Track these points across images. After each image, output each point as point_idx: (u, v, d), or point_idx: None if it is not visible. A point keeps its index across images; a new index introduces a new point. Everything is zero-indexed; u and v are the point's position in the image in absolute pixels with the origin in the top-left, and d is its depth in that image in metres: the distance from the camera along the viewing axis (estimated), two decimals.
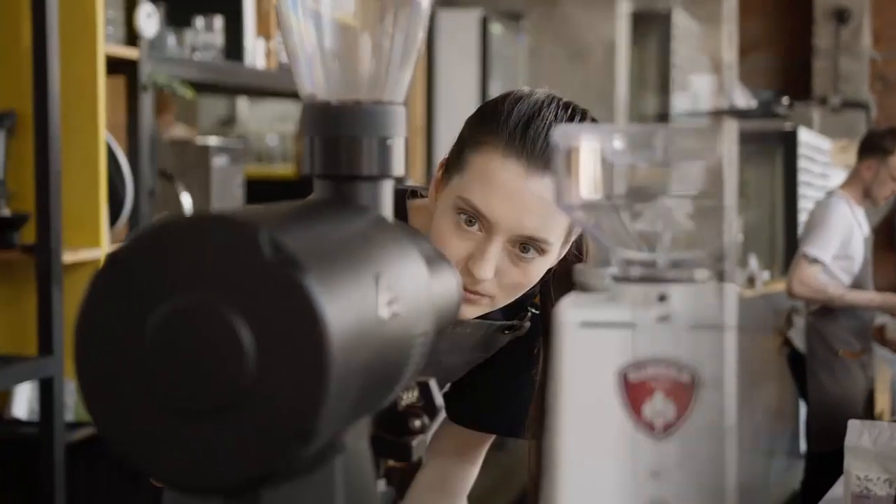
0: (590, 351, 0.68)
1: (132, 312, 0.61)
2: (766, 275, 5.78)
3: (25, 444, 2.48)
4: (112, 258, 0.62)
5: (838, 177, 7.94)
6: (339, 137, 0.77)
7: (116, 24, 2.68)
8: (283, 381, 0.59)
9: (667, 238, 0.70)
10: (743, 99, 5.57)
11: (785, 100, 6.27)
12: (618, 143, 0.70)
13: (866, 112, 8.92)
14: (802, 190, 6.70)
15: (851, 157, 8.10)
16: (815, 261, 4.14)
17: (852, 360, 4.25)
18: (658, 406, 0.67)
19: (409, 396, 0.84)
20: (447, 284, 0.84)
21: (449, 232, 1.24)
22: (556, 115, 1.22)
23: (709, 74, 5.21)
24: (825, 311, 4.27)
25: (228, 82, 3.17)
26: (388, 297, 0.68)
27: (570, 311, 0.68)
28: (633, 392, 0.67)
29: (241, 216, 0.61)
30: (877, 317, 4.51)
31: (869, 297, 4.35)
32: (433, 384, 0.84)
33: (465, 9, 5.49)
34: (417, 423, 0.82)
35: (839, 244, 4.19)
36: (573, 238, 1.31)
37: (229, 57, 3.24)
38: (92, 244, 2.54)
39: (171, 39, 3.00)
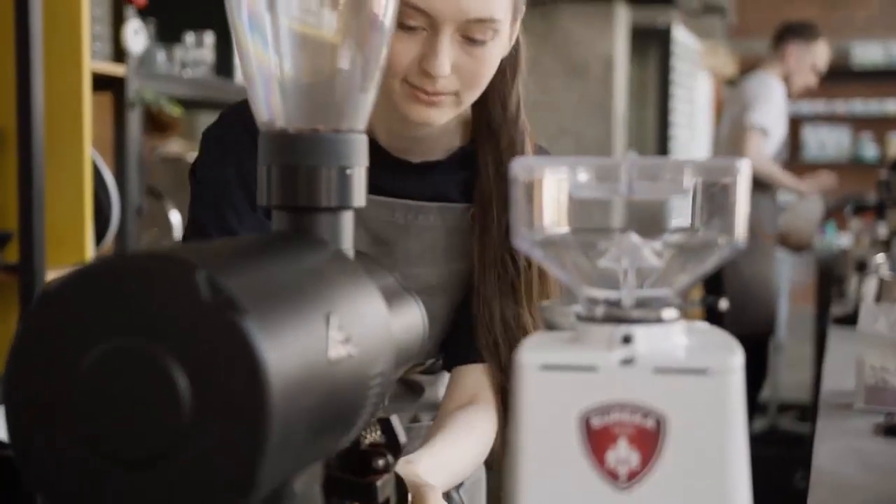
0: (551, 395, 0.65)
1: (64, 352, 0.58)
2: None
3: (6, 465, 2.45)
4: (45, 294, 0.59)
5: (705, 79, 8.03)
6: (296, 167, 0.74)
7: (104, 39, 2.65)
8: (220, 430, 0.56)
9: (632, 276, 0.67)
10: None
11: None
12: (581, 176, 0.67)
13: (724, 16, 9.03)
14: (672, 90, 6.77)
15: (719, 60, 8.18)
16: (762, 129, 4.16)
17: (768, 243, 4.25)
18: (622, 454, 0.64)
19: (371, 435, 0.81)
20: (410, 318, 0.81)
21: (395, 39, 1.17)
22: None
23: None
24: (754, 191, 4.29)
25: (218, 99, 3.14)
26: (340, 337, 0.65)
27: (530, 354, 0.65)
28: (596, 438, 0.64)
29: (180, 254, 0.58)
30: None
31: (804, 182, 4.41)
32: (395, 420, 0.81)
33: None
34: (381, 462, 0.79)
35: (776, 114, 4.23)
36: (520, 16, 1.29)
37: (219, 73, 3.22)
38: (77, 263, 2.51)
39: (160, 55, 2.97)
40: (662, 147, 7.14)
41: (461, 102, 1.25)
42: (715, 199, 0.65)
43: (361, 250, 1.25)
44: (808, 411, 5.04)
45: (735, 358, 0.63)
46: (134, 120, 2.65)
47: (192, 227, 1.33)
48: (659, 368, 0.63)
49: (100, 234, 2.61)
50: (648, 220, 0.67)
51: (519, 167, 0.66)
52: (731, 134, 4.39)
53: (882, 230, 3.82)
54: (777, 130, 4.34)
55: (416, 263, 1.34)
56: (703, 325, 0.70)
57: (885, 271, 2.88)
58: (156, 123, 3.57)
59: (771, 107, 4.23)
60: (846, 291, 3.37)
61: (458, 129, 1.37)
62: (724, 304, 0.67)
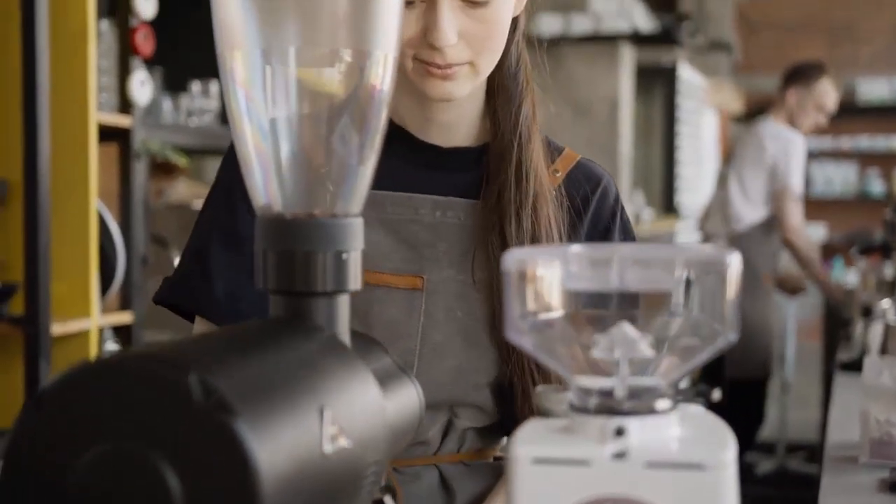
0: (544, 488, 0.65)
1: (57, 456, 0.58)
2: (649, 212, 5.81)
3: None
4: (39, 397, 0.60)
5: (710, 116, 8.08)
6: (293, 252, 0.75)
7: (110, 91, 2.67)
8: None
9: (625, 366, 0.67)
10: (644, 21, 5.57)
11: (686, 26, 6.30)
12: (573, 267, 0.67)
13: (729, 53, 9.08)
14: (677, 127, 6.79)
15: (725, 96, 8.24)
16: (796, 198, 4.21)
17: (767, 285, 4.25)
18: None
19: None
20: (405, 401, 0.81)
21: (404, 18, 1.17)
22: None
23: None
24: (753, 233, 4.28)
25: (224, 147, 3.15)
26: (334, 430, 0.65)
27: (523, 447, 0.65)
28: None
29: (171, 354, 0.59)
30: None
31: (825, 277, 4.42)
32: (389, 502, 0.81)
33: None
34: None
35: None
36: None
37: (225, 122, 3.23)
38: (82, 315, 2.52)
39: (166, 104, 3.00)
40: (668, 185, 7.16)
41: (478, 71, 1.20)
42: (706, 290, 0.65)
43: (387, 253, 1.22)
44: (817, 452, 5.02)
45: (728, 452, 0.63)
46: (140, 170, 2.67)
47: (196, 231, 1.30)
48: (651, 463, 0.63)
49: (105, 286, 2.62)
50: (640, 311, 0.68)
51: (511, 260, 0.66)
52: (767, 191, 4.36)
53: (889, 271, 3.81)
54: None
55: (445, 266, 1.26)
56: (698, 411, 0.70)
57: (891, 317, 2.88)
58: (162, 165, 3.59)
59: (801, 167, 4.28)
60: (852, 335, 3.36)
61: (488, 115, 1.31)
62: (717, 394, 0.67)
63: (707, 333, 0.66)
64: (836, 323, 4.50)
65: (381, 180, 1.25)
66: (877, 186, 9.89)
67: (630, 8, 5.38)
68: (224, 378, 0.58)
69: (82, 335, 2.54)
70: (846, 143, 9.90)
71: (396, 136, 1.27)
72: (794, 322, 5.81)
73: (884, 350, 2.79)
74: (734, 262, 0.64)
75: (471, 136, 1.30)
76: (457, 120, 1.29)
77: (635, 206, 5.97)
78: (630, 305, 0.68)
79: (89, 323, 2.53)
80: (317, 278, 0.74)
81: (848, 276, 6.33)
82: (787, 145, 4.35)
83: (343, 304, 0.76)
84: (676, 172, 7.14)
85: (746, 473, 5.09)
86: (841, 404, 2.34)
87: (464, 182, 1.28)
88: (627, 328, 0.67)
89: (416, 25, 1.15)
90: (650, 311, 0.68)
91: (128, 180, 2.65)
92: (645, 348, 0.67)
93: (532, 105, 1.29)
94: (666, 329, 0.68)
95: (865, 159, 9.93)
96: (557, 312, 0.68)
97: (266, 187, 0.77)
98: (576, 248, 0.69)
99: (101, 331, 2.74)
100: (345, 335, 0.76)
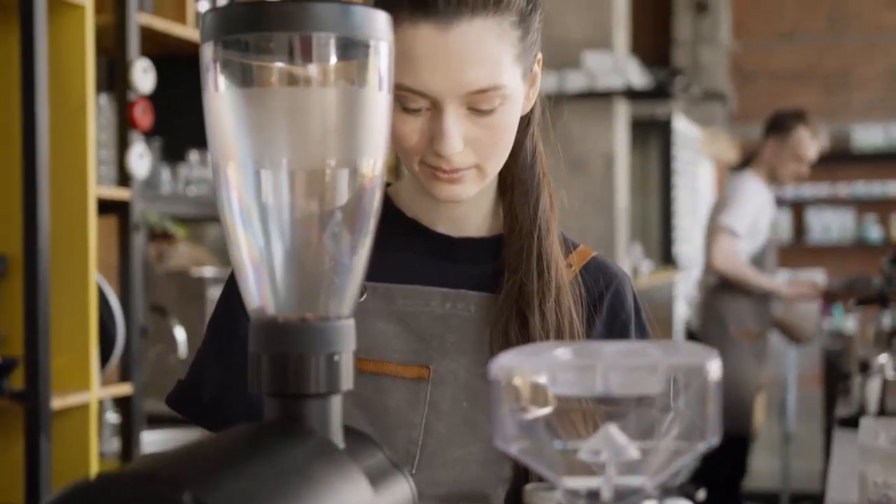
0: None
1: None
2: (647, 264, 5.82)
3: None
4: None
5: (706, 166, 8.12)
6: (286, 355, 0.77)
7: (109, 164, 2.70)
8: None
9: (611, 468, 0.68)
10: (638, 77, 5.60)
11: (679, 81, 6.32)
12: (559, 373, 0.69)
13: (724, 103, 9.13)
14: (674, 178, 6.80)
15: (720, 147, 8.27)
16: (731, 232, 4.20)
17: (746, 343, 4.23)
18: None
19: None
20: (398, 499, 0.82)
21: (399, 123, 1.15)
22: None
23: (603, 53, 5.24)
24: (724, 287, 4.28)
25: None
26: None
27: None
28: None
29: (165, 472, 0.60)
30: (774, 304, 4.48)
31: (780, 283, 4.38)
32: None
33: None
34: None
35: (751, 218, 4.26)
36: (533, 71, 1.21)
37: None
38: (82, 388, 2.53)
39: (165, 173, 3.03)
40: (666, 236, 7.19)
41: (485, 174, 1.19)
42: (689, 394, 0.67)
43: (395, 344, 1.22)
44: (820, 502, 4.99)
45: None
46: (138, 242, 2.69)
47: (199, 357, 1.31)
48: None
49: (104, 358, 2.63)
50: (626, 413, 0.69)
51: (498, 367, 0.68)
52: (705, 233, 4.46)
53: (886, 321, 3.82)
54: (756, 234, 4.36)
55: (454, 357, 1.25)
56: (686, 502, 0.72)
57: (889, 372, 2.88)
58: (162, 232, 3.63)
59: (743, 209, 4.29)
60: (851, 389, 3.37)
61: (500, 205, 1.31)
62: (702, 494, 0.68)
63: (691, 435, 0.68)
64: (836, 374, 4.50)
65: (393, 272, 1.26)
66: (874, 232, 9.93)
67: (624, 65, 5.44)
68: (217, 493, 0.60)
69: (82, 408, 2.55)
70: (843, 189, 9.95)
71: (409, 229, 1.29)
72: (794, 371, 5.81)
73: (882, 406, 2.80)
74: (714, 368, 0.66)
75: (483, 227, 1.30)
76: (467, 213, 1.29)
77: (633, 258, 5.99)
78: (616, 408, 0.70)
79: (89, 396, 2.54)
80: (309, 381, 0.76)
81: (848, 321, 6.33)
82: (738, 184, 4.39)
83: (336, 404, 0.78)
84: (674, 223, 7.18)
85: None
86: (840, 461, 2.34)
87: (476, 274, 1.27)
88: (613, 430, 0.69)
89: (422, 132, 1.15)
90: (635, 414, 0.69)
91: (127, 252, 2.67)
92: (631, 450, 0.68)
93: (549, 196, 1.29)
94: (651, 431, 0.69)
95: (862, 206, 9.98)
96: (544, 417, 0.70)
97: (259, 291, 0.79)
98: (561, 352, 0.71)
99: (100, 403, 2.75)
100: (337, 435, 0.78)
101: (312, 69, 0.85)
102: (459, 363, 1.24)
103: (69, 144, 2.52)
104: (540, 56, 1.24)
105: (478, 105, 1.14)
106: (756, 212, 4.32)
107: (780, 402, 5.69)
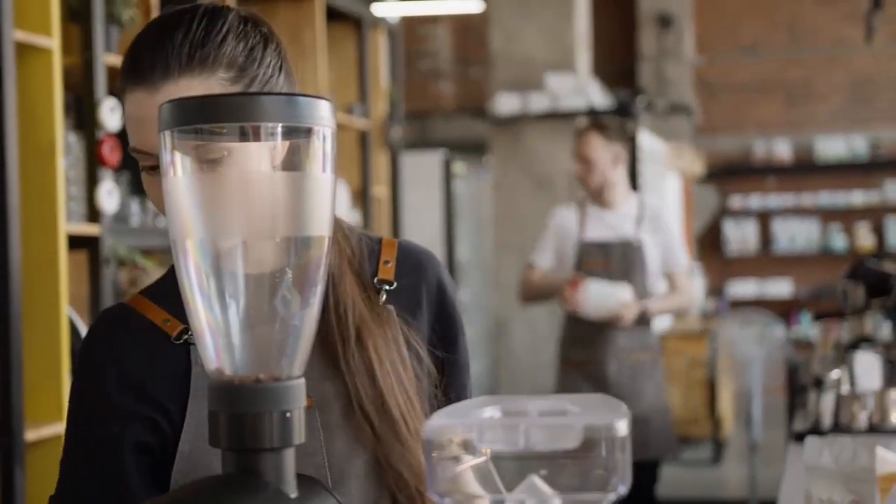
0: None
1: None
2: None
3: None
4: None
5: (672, 179, 8.23)
6: (242, 414, 0.84)
7: (78, 200, 2.76)
8: None
9: None
10: (599, 98, 5.65)
11: (640, 100, 6.38)
12: (486, 432, 0.77)
13: (690, 116, 9.26)
14: (640, 193, 6.89)
15: (686, 159, 8.37)
16: (530, 266, 4.28)
17: (573, 371, 4.24)
18: None
19: None
20: None
21: (146, 185, 1.22)
22: (176, 21, 1.18)
23: (566, 74, 5.29)
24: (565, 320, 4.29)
25: None
26: None
27: None
28: None
29: None
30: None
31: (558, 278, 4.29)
32: None
33: (429, 150, 5.63)
34: None
35: (553, 249, 4.28)
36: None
37: None
38: (55, 419, 2.58)
39: (134, 206, 3.09)
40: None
41: None
42: (600, 452, 0.75)
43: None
44: None
45: None
46: (108, 276, 2.75)
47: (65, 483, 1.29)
48: None
49: None
50: (549, 466, 0.77)
51: (429, 430, 0.76)
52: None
53: (844, 334, 3.91)
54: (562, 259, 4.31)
55: (322, 385, 1.27)
56: None
57: (843, 387, 2.96)
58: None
59: (545, 242, 4.32)
60: (807, 403, 3.45)
61: None
62: None
63: (605, 486, 0.76)
64: (796, 385, 4.59)
65: None
66: (839, 241, 10.08)
67: (586, 86, 5.54)
68: None
69: (56, 440, 2.60)
70: (808, 199, 10.10)
71: None
72: (759, 381, 5.91)
73: (836, 421, 2.88)
74: (622, 427, 0.74)
75: None
76: None
77: None
78: (539, 461, 0.77)
79: (62, 427, 2.59)
80: (264, 436, 0.84)
81: (812, 331, 6.44)
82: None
83: (289, 457, 0.86)
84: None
85: None
86: (793, 475, 2.40)
87: None
88: (537, 481, 0.77)
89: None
90: (557, 467, 0.77)
91: (97, 286, 2.74)
92: (554, 501, 0.76)
93: (338, 241, 1.30)
94: (571, 480, 0.77)
95: (827, 215, 10.14)
96: (473, 469, 0.77)
97: (216, 353, 0.87)
98: (489, 412, 0.78)
99: None
100: (291, 485, 0.85)
101: (261, 154, 0.93)
102: (327, 387, 1.26)
103: (39, 182, 2.58)
104: None
105: (206, 157, 1.04)
106: (557, 241, 4.30)
107: (745, 413, 5.78)
